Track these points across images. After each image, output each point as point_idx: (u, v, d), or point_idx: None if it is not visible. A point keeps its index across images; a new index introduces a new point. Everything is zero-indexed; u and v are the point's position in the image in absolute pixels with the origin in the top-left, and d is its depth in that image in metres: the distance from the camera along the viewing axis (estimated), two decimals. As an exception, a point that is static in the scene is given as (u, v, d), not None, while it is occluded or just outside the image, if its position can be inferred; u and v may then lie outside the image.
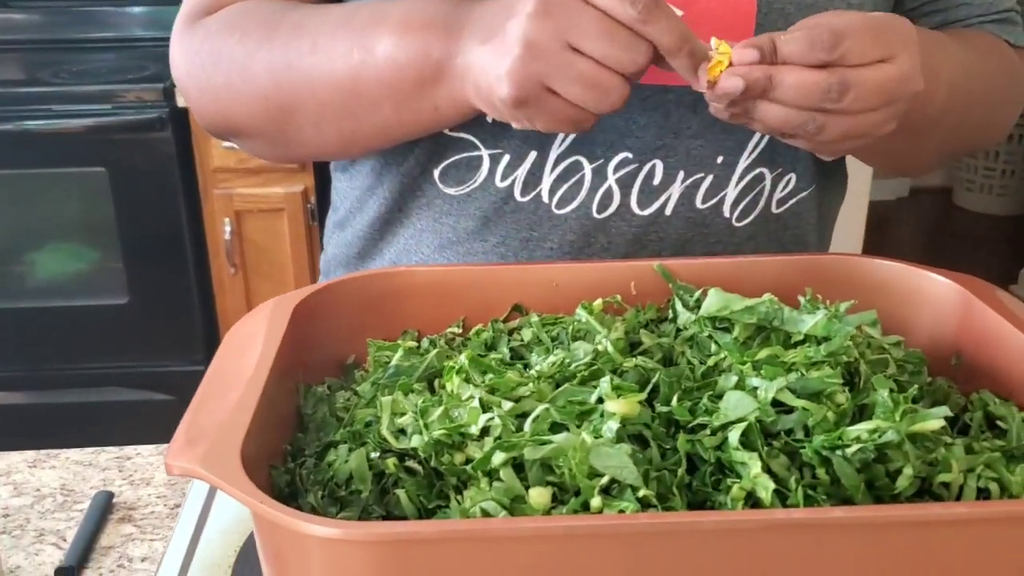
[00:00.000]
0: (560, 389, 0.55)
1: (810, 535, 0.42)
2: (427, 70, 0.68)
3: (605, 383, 0.54)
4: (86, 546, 0.75)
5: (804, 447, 0.50)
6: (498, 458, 0.48)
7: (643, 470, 0.48)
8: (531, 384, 0.55)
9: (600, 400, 0.53)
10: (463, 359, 0.56)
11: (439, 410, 0.53)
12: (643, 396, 0.53)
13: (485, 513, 0.47)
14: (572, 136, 0.76)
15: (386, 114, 0.71)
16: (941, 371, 0.63)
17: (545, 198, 0.78)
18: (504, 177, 0.78)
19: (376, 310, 0.67)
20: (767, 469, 0.49)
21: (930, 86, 0.68)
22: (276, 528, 0.43)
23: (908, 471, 0.48)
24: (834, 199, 0.90)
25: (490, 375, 0.56)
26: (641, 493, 0.47)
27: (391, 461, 0.52)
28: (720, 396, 0.53)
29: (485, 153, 0.77)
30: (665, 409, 0.54)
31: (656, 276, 0.68)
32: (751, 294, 0.63)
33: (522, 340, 0.64)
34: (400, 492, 0.50)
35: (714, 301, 0.60)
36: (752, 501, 0.48)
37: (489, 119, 0.75)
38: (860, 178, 2.03)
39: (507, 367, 0.61)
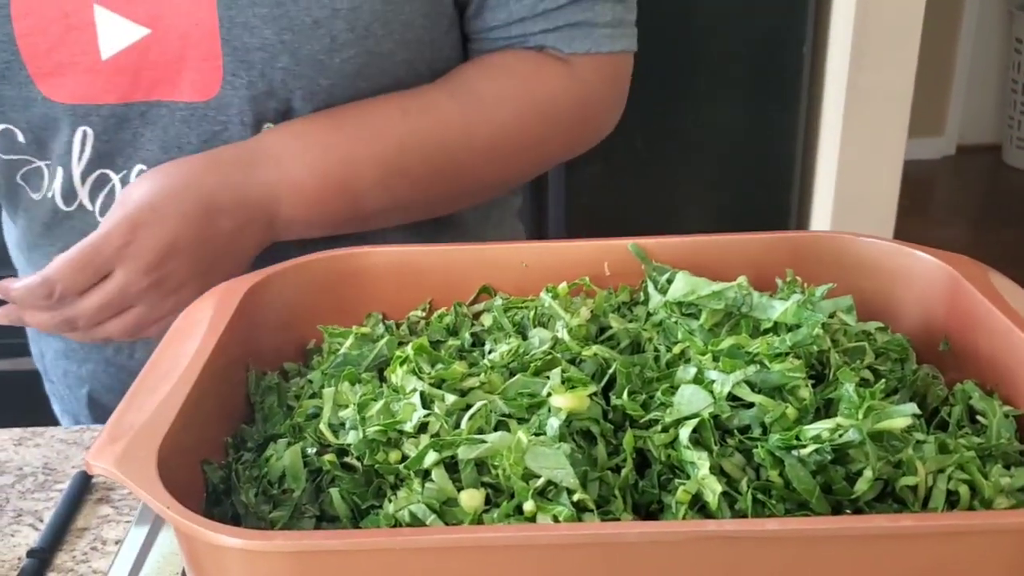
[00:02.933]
0: (512, 380, 0.53)
1: (743, 547, 0.39)
2: None
3: (555, 375, 0.51)
4: (61, 527, 0.75)
5: (759, 446, 0.47)
6: (430, 458, 0.46)
7: (582, 471, 0.45)
8: (481, 375, 0.53)
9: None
10: (409, 349, 0.54)
11: (379, 404, 0.50)
12: (595, 389, 0.51)
13: (414, 516, 0.45)
14: (89, 152, 0.80)
15: None
16: (929, 357, 0.60)
17: (88, 206, 0.83)
18: (50, 188, 0.83)
19: (338, 292, 0.65)
20: (719, 469, 0.46)
21: (315, 182, 0.74)
22: (184, 535, 0.41)
23: (868, 474, 0.45)
24: None
25: (439, 365, 0.53)
26: (576, 497, 0.44)
27: (328, 458, 0.49)
28: (677, 389, 0.50)
29: (42, 164, 0.82)
30: (620, 402, 0.51)
31: (632, 255, 0.65)
32: (731, 274, 0.60)
33: (483, 326, 0.62)
34: (333, 492, 0.48)
35: (681, 285, 0.57)
36: (700, 504, 0.45)
37: (23, 138, 0.80)
38: (894, 136, 1.96)
39: (463, 355, 0.58)
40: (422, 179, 0.78)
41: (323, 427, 0.51)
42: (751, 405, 0.49)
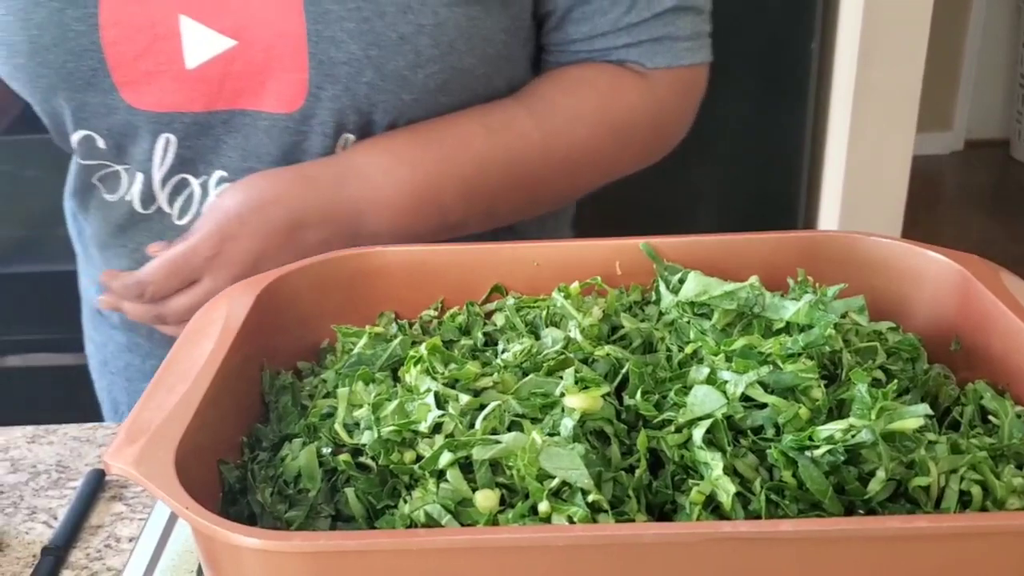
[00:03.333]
0: (525, 380, 0.53)
1: (758, 548, 0.40)
2: None
3: (568, 375, 0.51)
4: (75, 525, 0.75)
5: (772, 447, 0.47)
6: (445, 458, 0.46)
7: (596, 471, 0.45)
8: (495, 375, 0.53)
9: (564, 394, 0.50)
10: (423, 349, 0.54)
11: (393, 404, 0.51)
12: (608, 389, 0.51)
13: (429, 516, 0.45)
14: (171, 158, 0.82)
15: None
16: (941, 356, 0.60)
17: (166, 209, 0.85)
18: (128, 192, 0.85)
19: (351, 291, 0.65)
20: (732, 470, 0.47)
21: (402, 202, 0.76)
22: (202, 535, 0.42)
23: (881, 474, 0.45)
24: None
25: (452, 365, 0.54)
26: (591, 497, 0.44)
27: (343, 458, 0.50)
28: (690, 389, 0.50)
29: (120, 168, 0.84)
30: (633, 402, 0.51)
31: (643, 255, 0.65)
32: (742, 273, 0.61)
33: (495, 325, 0.62)
34: (348, 491, 0.48)
35: (693, 285, 0.57)
36: (714, 505, 0.46)
37: (104, 144, 0.82)
38: (902, 133, 1.96)
39: (476, 354, 0.59)
40: (502, 192, 0.80)
41: (338, 427, 0.51)
42: (764, 405, 0.49)
